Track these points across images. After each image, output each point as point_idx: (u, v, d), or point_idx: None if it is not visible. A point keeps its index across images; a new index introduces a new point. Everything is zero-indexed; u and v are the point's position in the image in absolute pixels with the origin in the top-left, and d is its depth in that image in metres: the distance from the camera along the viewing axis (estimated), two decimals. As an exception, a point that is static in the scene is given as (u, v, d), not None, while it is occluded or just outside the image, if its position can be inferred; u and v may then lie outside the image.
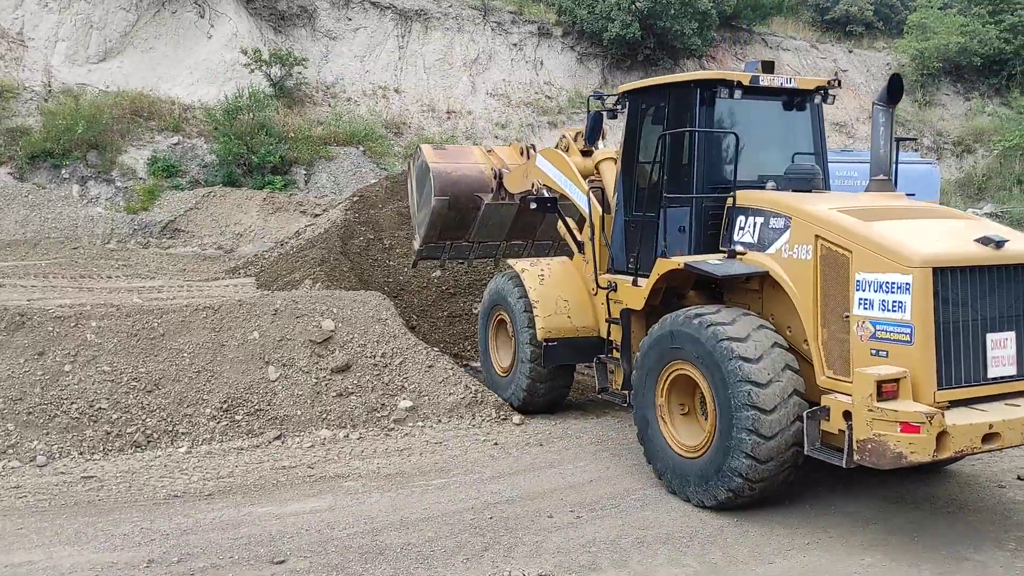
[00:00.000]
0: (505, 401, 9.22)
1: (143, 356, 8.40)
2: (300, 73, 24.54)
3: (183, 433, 7.99)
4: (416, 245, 11.04)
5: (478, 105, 26.85)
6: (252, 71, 23.18)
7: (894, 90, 6.86)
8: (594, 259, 8.53)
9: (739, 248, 6.92)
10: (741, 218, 6.97)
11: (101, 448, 7.63)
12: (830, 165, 7.95)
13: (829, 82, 7.70)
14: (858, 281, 5.97)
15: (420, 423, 8.73)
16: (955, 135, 34.85)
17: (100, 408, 7.89)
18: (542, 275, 9.01)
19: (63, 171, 19.85)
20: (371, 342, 9.24)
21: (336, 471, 7.52)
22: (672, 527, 6.31)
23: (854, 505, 6.78)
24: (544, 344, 8.70)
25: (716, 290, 7.43)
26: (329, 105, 25.23)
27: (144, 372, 8.28)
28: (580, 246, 8.99)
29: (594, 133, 8.49)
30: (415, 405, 8.87)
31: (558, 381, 9.15)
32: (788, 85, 7.54)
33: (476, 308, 12.26)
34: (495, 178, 10.50)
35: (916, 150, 33.21)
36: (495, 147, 11.43)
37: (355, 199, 14.36)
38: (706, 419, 6.57)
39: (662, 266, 7.15)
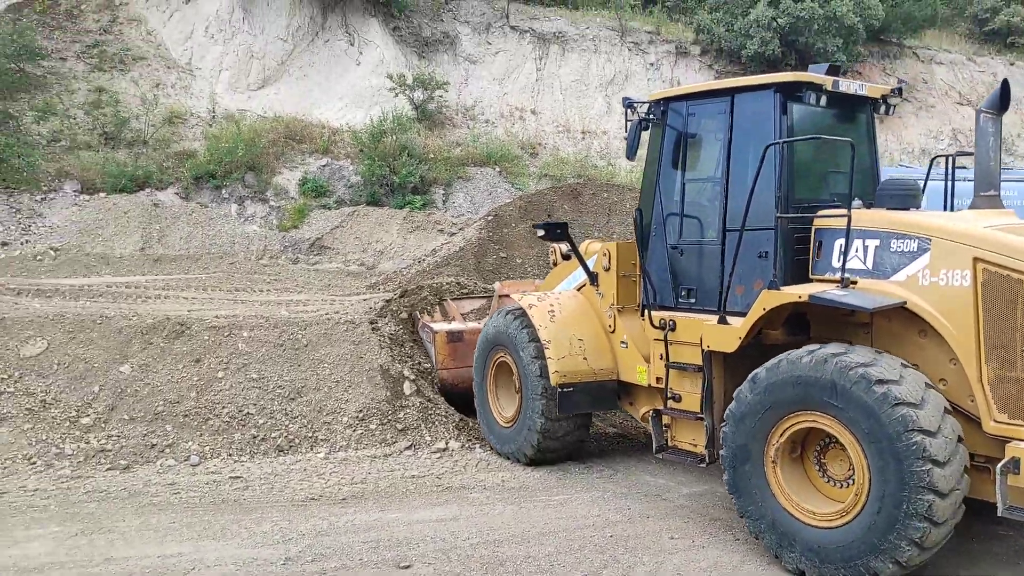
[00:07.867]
0: (507, 456, 8.38)
1: (288, 365, 8.93)
2: (441, 96, 25.36)
3: (322, 439, 8.43)
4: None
5: (613, 125, 26.91)
6: (396, 95, 24.15)
7: (1005, 97, 6.21)
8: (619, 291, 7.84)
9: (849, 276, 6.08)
10: (839, 242, 6.12)
11: (248, 451, 8.17)
12: None
13: (892, 90, 7.03)
14: None
15: (546, 439, 8.85)
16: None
17: (248, 413, 8.45)
18: (552, 311, 8.05)
19: (223, 191, 21.23)
20: (500, 358, 9.46)
21: (462, 482, 7.74)
22: (797, 556, 6.15)
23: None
24: (559, 390, 7.72)
25: (800, 325, 6.46)
26: (468, 127, 25.94)
27: (288, 380, 8.80)
28: (594, 277, 8.09)
29: (635, 145, 7.28)
30: (541, 422, 9.00)
31: (573, 430, 8.16)
32: (861, 92, 6.84)
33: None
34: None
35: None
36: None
37: (490, 218, 14.73)
38: (850, 483, 5.61)
39: (771, 299, 6.08)
